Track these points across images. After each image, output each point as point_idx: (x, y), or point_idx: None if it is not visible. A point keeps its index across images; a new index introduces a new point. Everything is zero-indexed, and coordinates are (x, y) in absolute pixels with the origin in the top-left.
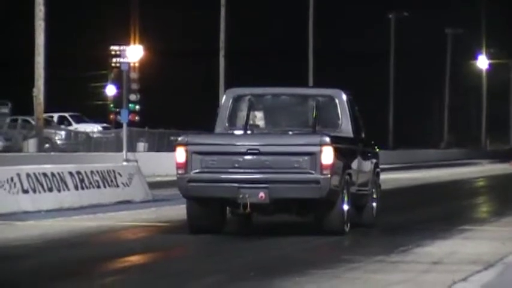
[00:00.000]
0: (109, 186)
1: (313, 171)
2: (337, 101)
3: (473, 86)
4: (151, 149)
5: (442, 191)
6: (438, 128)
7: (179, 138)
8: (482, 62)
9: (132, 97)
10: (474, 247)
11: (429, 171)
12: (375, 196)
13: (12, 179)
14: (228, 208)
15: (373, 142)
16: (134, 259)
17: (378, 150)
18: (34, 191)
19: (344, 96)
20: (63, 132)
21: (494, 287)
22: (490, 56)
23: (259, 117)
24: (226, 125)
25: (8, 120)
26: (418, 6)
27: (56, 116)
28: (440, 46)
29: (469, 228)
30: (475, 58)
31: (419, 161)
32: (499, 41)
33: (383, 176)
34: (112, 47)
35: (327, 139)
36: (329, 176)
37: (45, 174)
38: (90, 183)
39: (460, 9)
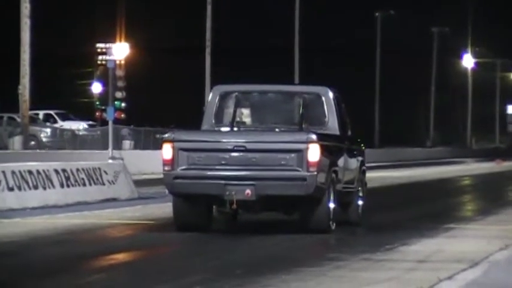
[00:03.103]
0: (95, 184)
1: (299, 169)
2: (323, 98)
3: (459, 85)
4: (137, 146)
5: (428, 190)
6: (424, 127)
7: (166, 135)
8: (468, 61)
9: (118, 95)
10: (460, 245)
11: (415, 170)
12: (361, 194)
13: None
14: (214, 206)
15: (359, 140)
16: (120, 257)
17: (364, 148)
18: (19, 188)
19: (331, 94)
20: (48, 130)
21: (479, 285)
22: (475, 55)
23: (245, 114)
24: (213, 122)
25: None
26: (404, 5)
27: (41, 114)
28: (426, 45)
29: (455, 226)
30: (461, 57)
31: (405, 159)
32: (485, 40)
33: (369, 174)
34: (98, 45)
35: (314, 136)
36: (315, 173)
37: (30, 172)
38: (76, 181)
39: (446, 8)
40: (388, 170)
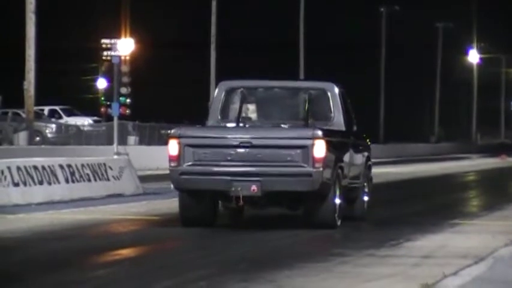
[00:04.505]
0: (100, 179)
1: (305, 165)
2: (329, 94)
3: (464, 80)
4: (142, 142)
5: (433, 185)
6: (429, 122)
7: (172, 131)
8: (473, 56)
9: (123, 90)
10: (464, 241)
11: (420, 165)
12: (366, 190)
13: (2, 172)
14: (219, 202)
15: (364, 135)
16: (125, 252)
17: (369, 143)
18: (25, 184)
19: (336, 90)
20: (53, 125)
21: (484, 281)
22: (481, 50)
23: (251, 110)
24: (219, 117)
25: None
26: (409, 0)
27: (46, 109)
28: (431, 40)
29: (460, 222)
30: (466, 52)
31: (410, 155)
32: (490, 35)
33: (374, 170)
34: (103, 40)
35: (319, 132)
36: (321, 169)
37: (35, 167)
38: (81, 176)
39: (451, 3)
40: (393, 165)
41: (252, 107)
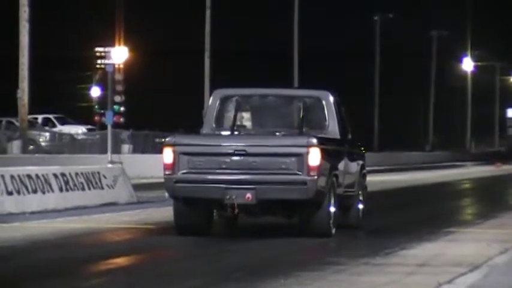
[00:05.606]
0: (94, 188)
1: (300, 172)
2: (324, 102)
3: (458, 88)
4: (136, 150)
5: (427, 194)
6: (423, 130)
7: (167, 139)
8: (468, 64)
9: (117, 99)
10: (459, 249)
11: (415, 174)
12: (361, 198)
13: None
14: (214, 210)
15: (359, 144)
16: (119, 261)
17: (364, 151)
18: (18, 192)
19: (331, 98)
20: (47, 134)
21: None
22: (475, 58)
23: (246, 118)
24: (214, 125)
25: None
26: (403, 8)
27: (40, 118)
28: (426, 48)
29: (455, 230)
30: (461, 60)
31: (404, 163)
32: (484, 43)
33: (368, 178)
34: (97, 49)
35: (314, 140)
36: (316, 177)
37: (29, 176)
38: (75, 185)
39: (446, 11)
40: (387, 174)
41: (246, 115)
